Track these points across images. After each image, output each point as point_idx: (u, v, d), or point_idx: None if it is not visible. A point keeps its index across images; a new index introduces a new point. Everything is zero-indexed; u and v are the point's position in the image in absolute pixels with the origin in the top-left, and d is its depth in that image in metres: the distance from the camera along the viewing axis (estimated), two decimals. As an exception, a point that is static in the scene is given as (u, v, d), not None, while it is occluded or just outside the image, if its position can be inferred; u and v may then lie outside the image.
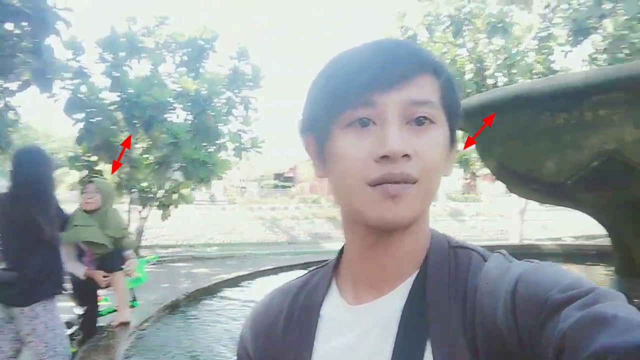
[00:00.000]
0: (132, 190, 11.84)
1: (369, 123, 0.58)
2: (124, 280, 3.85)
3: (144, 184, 11.92)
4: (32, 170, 3.04)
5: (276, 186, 35.37)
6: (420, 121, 0.59)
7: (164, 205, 12.38)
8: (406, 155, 0.56)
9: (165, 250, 16.34)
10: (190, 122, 10.96)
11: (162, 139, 10.49)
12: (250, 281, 8.13)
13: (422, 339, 0.58)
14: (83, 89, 9.95)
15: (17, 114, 12.35)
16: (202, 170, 10.84)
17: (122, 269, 3.81)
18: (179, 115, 11.49)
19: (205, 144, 11.42)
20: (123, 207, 13.12)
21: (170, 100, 10.64)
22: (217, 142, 11.57)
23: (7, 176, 3.21)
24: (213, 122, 10.85)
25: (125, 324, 3.49)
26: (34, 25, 8.26)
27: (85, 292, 3.91)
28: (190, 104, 10.65)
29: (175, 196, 12.20)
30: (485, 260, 0.62)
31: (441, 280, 0.61)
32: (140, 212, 12.33)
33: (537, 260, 0.60)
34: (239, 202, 27.64)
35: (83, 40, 10.24)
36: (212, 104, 10.76)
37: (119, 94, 10.12)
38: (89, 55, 16.12)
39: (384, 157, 0.56)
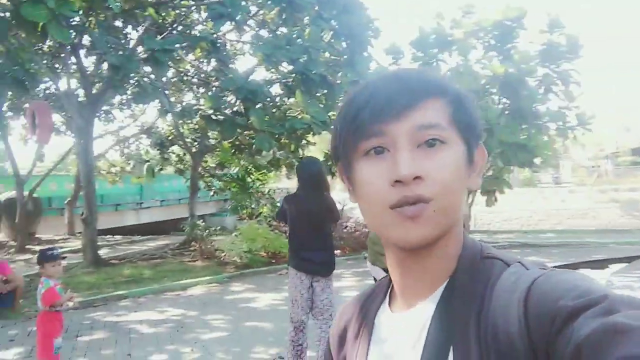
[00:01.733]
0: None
1: (384, 150, 0.64)
2: None
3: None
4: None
5: (635, 163, 30.24)
6: (431, 143, 0.63)
7: (488, 192, 12.44)
8: (418, 178, 0.61)
9: (498, 236, 16.23)
10: (502, 106, 10.72)
11: (479, 126, 10.61)
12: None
13: (447, 346, 0.62)
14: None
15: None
16: (521, 154, 10.47)
17: None
18: (494, 100, 11.41)
19: (524, 127, 10.97)
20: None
21: (486, 86, 10.68)
22: (536, 122, 10.92)
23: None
24: (528, 103, 10.31)
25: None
26: (351, 42, 9.67)
27: None
28: (501, 87, 10.41)
29: (497, 181, 12.08)
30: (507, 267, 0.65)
31: (466, 291, 0.64)
32: (466, 199, 12.74)
33: (551, 267, 0.63)
34: (589, 184, 24.98)
35: (402, 45, 11.31)
36: (525, 84, 10.23)
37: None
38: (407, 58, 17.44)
39: (398, 182, 0.62)
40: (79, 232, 14.42)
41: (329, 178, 13.37)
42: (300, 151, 13.43)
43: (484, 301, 0.61)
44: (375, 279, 4.76)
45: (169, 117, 13.76)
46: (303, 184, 4.22)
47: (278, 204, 13.20)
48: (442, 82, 0.67)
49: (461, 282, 0.65)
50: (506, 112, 11.11)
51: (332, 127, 0.74)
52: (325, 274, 4.20)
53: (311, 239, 4.16)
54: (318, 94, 10.07)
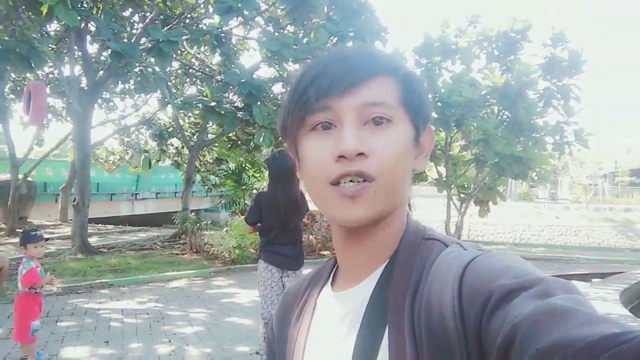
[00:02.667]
0: (451, 186, 12.33)
1: (331, 126, 0.63)
2: None
3: (462, 180, 12.26)
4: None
5: (633, 184, 30.22)
6: (377, 121, 0.63)
7: (481, 202, 12.41)
8: (362, 154, 0.61)
9: (489, 246, 16.21)
10: (501, 117, 10.70)
11: (476, 136, 10.60)
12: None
13: (382, 325, 0.62)
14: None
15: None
16: (515, 166, 10.41)
17: None
18: (493, 111, 11.38)
19: (521, 139, 10.94)
20: (443, 202, 13.85)
21: (486, 96, 10.66)
22: (533, 135, 10.89)
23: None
24: (525, 116, 10.29)
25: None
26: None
27: None
28: (501, 98, 10.38)
29: (491, 192, 12.05)
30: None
31: (404, 271, 0.63)
32: (459, 208, 12.71)
33: (489, 249, 0.62)
34: (584, 201, 24.90)
35: (405, 51, 11.30)
36: (524, 96, 10.21)
37: (432, 95, 10.73)
38: (410, 63, 17.43)
39: (342, 157, 0.61)
40: (72, 219, 14.41)
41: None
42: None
43: (421, 280, 0.60)
44: None
45: (169, 108, 13.73)
46: (273, 178, 4.21)
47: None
48: (392, 61, 0.67)
49: (401, 262, 0.65)
50: (504, 124, 11.09)
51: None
52: (295, 267, 4.21)
53: (281, 233, 4.16)
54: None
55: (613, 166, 32.22)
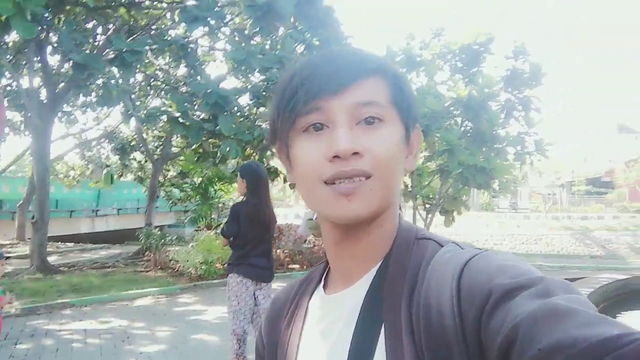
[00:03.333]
0: (417, 196, 12.47)
1: (323, 127, 0.63)
2: None
3: (427, 191, 12.41)
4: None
5: (589, 193, 31.30)
6: (369, 121, 0.62)
7: (446, 212, 12.59)
8: (356, 153, 0.60)
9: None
10: (464, 128, 10.92)
11: (440, 147, 10.77)
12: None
13: (378, 326, 0.61)
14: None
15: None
16: (479, 176, 10.62)
17: None
18: (457, 122, 11.61)
19: (484, 149, 11.18)
20: (409, 213, 13.99)
21: (450, 108, 10.86)
22: (496, 146, 11.15)
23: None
24: (488, 127, 10.53)
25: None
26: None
27: None
28: (464, 109, 10.61)
29: (455, 202, 12.25)
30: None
31: (399, 271, 0.63)
32: (425, 218, 12.86)
33: (487, 248, 0.62)
34: (544, 210, 25.62)
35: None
36: (487, 108, 10.46)
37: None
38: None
39: (336, 157, 0.60)
40: (29, 238, 13.86)
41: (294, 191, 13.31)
42: (265, 161, 13.33)
43: (417, 280, 0.60)
44: None
45: (133, 121, 13.45)
46: (251, 188, 4.09)
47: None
48: (382, 62, 0.67)
49: (395, 262, 0.64)
50: (468, 135, 11.31)
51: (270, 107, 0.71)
52: (268, 279, 4.16)
53: (256, 245, 4.09)
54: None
55: (570, 175, 33.38)
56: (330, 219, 0.65)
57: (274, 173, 12.62)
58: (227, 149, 9.43)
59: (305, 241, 12.73)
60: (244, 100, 11.72)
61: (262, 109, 10.96)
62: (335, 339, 0.65)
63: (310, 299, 0.75)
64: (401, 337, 0.57)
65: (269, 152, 12.23)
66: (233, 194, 15.46)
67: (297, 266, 11.61)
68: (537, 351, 0.42)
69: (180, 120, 9.69)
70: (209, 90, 9.09)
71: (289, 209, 27.35)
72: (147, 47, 10.12)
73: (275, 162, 15.43)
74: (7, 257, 5.06)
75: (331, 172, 0.60)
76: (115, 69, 9.73)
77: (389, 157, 0.62)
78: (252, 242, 4.08)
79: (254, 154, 12.02)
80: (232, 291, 4.11)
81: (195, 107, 11.00)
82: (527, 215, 25.41)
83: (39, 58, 11.05)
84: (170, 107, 10.39)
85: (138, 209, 22.80)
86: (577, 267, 13.06)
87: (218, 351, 5.59)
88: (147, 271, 11.33)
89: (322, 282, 0.75)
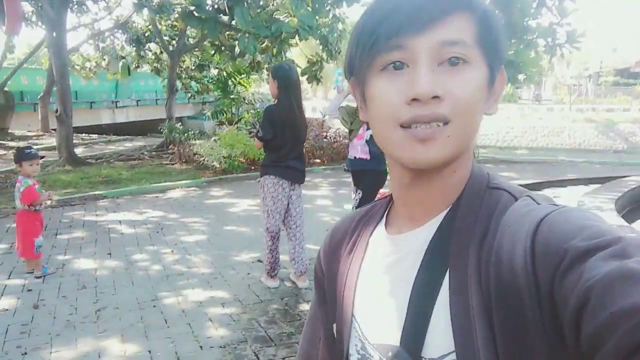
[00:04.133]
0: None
1: (403, 66, 0.60)
2: None
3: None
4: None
5: (617, 84, 30.27)
6: (453, 62, 0.59)
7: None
8: (436, 97, 0.58)
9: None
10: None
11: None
12: (536, 191, 7.71)
13: (443, 269, 0.62)
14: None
15: (344, 23, 13.99)
16: (507, 70, 10.20)
17: None
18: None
19: (513, 41, 10.69)
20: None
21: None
22: (526, 38, 10.64)
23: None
24: (520, 17, 9.98)
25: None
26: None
27: None
28: (494, -2, 10.00)
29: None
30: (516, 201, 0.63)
31: (469, 218, 0.63)
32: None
33: (564, 205, 0.59)
34: (568, 102, 25.01)
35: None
36: (519, -4, 9.83)
37: None
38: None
39: (415, 100, 0.58)
40: (53, 129, 14.11)
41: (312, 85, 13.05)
42: (283, 55, 13.01)
43: (488, 230, 0.59)
44: None
45: (145, 11, 12.99)
46: (284, 89, 4.08)
47: (258, 110, 13.00)
48: None
49: (465, 209, 0.64)
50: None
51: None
52: (303, 180, 4.33)
53: (294, 148, 4.18)
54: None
55: (598, 66, 32.02)
56: (405, 164, 0.63)
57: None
58: (245, 43, 9.15)
59: (326, 135, 12.78)
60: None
61: (279, 0, 10.45)
62: (399, 277, 0.67)
63: (371, 235, 0.75)
64: (467, 283, 0.58)
65: (287, 46, 11.90)
66: (253, 88, 15.33)
67: (318, 161, 11.79)
68: (609, 314, 0.42)
69: (195, 13, 9.34)
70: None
71: (307, 102, 27.13)
72: None
73: (291, 53, 15.03)
74: (42, 157, 5.23)
75: (408, 115, 0.59)
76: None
77: (470, 102, 0.59)
78: (287, 145, 4.15)
79: (273, 47, 11.70)
80: (269, 192, 4.25)
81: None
82: (551, 107, 24.89)
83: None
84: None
85: (157, 100, 22.81)
86: (600, 163, 13.01)
87: (250, 242, 5.90)
88: (173, 164, 11.63)
89: (385, 220, 0.76)
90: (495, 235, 0.58)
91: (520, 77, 11.28)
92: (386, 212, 0.77)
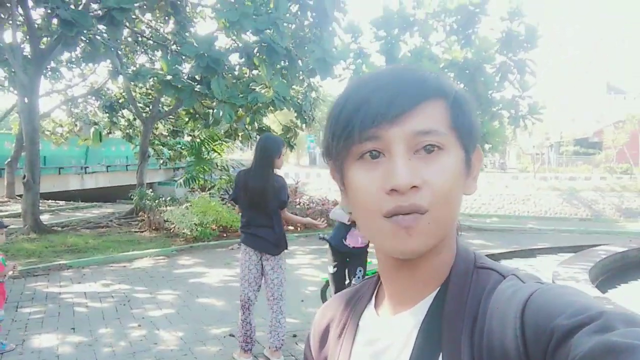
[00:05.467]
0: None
1: (379, 155, 0.61)
2: None
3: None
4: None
5: (577, 153, 31.66)
6: (429, 149, 0.60)
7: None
8: (415, 187, 0.58)
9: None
10: (460, 91, 10.87)
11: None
12: (509, 260, 7.84)
13: (435, 355, 0.61)
14: (364, 68, 10.92)
15: (317, 91, 14.43)
16: (474, 140, 10.67)
17: None
18: (452, 85, 11.52)
19: (478, 113, 11.18)
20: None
21: (445, 70, 10.76)
22: (491, 110, 11.15)
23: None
24: (483, 90, 10.50)
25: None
26: (317, 16, 9.53)
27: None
28: (459, 72, 10.52)
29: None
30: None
31: (458, 301, 0.63)
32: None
33: (548, 282, 0.60)
34: (532, 171, 25.95)
35: (360, 22, 11.20)
36: (482, 70, 10.39)
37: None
38: (367, 36, 17.40)
39: (393, 190, 0.59)
40: (19, 195, 13.75)
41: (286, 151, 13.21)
42: (256, 124, 13.22)
43: (479, 312, 0.59)
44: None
45: (121, 79, 13.15)
46: (254, 159, 4.16)
47: (233, 175, 13.00)
48: (441, 82, 0.64)
49: (454, 290, 0.64)
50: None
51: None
52: (274, 252, 4.16)
53: (258, 216, 4.11)
54: (280, 68, 9.87)
55: (559, 136, 33.64)
56: (388, 253, 0.64)
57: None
58: (221, 112, 9.30)
59: (299, 202, 12.79)
60: (234, 59, 11.49)
61: (255, 71, 10.75)
62: None
63: (360, 317, 0.75)
64: None
65: (260, 115, 12.14)
66: (227, 154, 15.41)
67: (291, 228, 11.71)
68: None
69: (172, 83, 9.50)
70: (200, 52, 8.89)
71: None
72: (136, 4, 9.82)
73: (268, 119, 15.28)
74: (6, 226, 5.06)
75: (390, 205, 0.59)
76: (102, 26, 9.46)
77: (448, 190, 0.60)
78: (249, 212, 4.13)
79: (247, 116, 11.91)
80: (240, 258, 4.26)
81: (186, 68, 10.80)
82: (516, 176, 25.73)
83: (21, 12, 10.65)
84: (161, 68, 10.14)
85: (127, 166, 22.62)
86: (568, 231, 13.31)
87: (222, 315, 5.69)
88: (142, 231, 11.37)
89: (374, 301, 0.75)
90: (485, 320, 0.58)
91: (486, 146, 11.74)
92: (375, 291, 0.76)
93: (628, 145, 26.90)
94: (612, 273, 5.78)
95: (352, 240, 4.65)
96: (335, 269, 4.78)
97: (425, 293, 0.66)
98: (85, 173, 21.49)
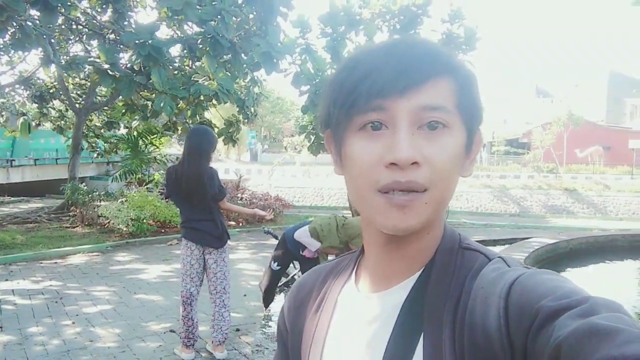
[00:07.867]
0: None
1: (381, 126, 0.59)
2: None
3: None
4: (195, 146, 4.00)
5: (508, 153, 33.26)
6: (433, 126, 0.59)
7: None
8: (415, 163, 0.57)
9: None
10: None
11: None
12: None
13: (416, 334, 0.60)
14: (309, 64, 10.92)
15: (260, 86, 14.31)
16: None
17: None
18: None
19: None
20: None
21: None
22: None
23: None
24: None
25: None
26: (262, 10, 9.44)
27: None
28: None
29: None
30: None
31: (442, 280, 0.62)
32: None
33: (534, 268, 0.59)
34: (467, 169, 26.86)
35: (310, 18, 11.21)
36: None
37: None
38: (316, 32, 17.47)
39: (393, 164, 0.57)
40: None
41: (228, 146, 12.93)
42: (198, 117, 12.93)
43: (462, 292, 0.59)
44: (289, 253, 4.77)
45: (53, 68, 12.47)
46: (185, 151, 4.07)
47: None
48: (452, 60, 0.62)
49: (439, 270, 0.63)
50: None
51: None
52: (216, 245, 4.10)
53: (197, 210, 4.03)
54: (223, 61, 9.69)
55: (491, 136, 35.23)
56: (380, 228, 0.62)
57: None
58: (161, 104, 9.00)
59: (241, 197, 12.65)
60: (176, 50, 11.17)
61: (197, 63, 10.51)
62: (370, 339, 0.65)
63: (340, 292, 0.73)
64: (441, 349, 0.57)
65: (202, 108, 11.88)
66: (166, 148, 14.98)
67: (233, 223, 11.57)
68: None
69: (109, 72, 9.10)
70: (141, 41, 8.58)
71: (220, 164, 26.93)
72: (72, -11, 9.35)
73: (210, 114, 15.02)
74: None
75: (387, 180, 0.58)
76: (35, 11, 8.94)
77: (448, 169, 0.59)
78: (185, 205, 4.05)
79: (188, 109, 11.63)
80: (181, 253, 4.16)
81: (125, 57, 10.39)
82: (451, 174, 26.60)
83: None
84: (98, 57, 9.71)
85: (57, 159, 21.51)
86: (499, 226, 13.94)
87: (162, 311, 5.54)
88: (74, 227, 10.86)
89: (354, 277, 0.74)
90: (468, 300, 0.58)
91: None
92: (355, 266, 0.74)
93: (554, 145, 28.47)
94: (544, 262, 6.15)
95: (308, 252, 4.68)
96: (279, 267, 4.81)
97: (411, 271, 0.66)
98: (12, 166, 20.26)
